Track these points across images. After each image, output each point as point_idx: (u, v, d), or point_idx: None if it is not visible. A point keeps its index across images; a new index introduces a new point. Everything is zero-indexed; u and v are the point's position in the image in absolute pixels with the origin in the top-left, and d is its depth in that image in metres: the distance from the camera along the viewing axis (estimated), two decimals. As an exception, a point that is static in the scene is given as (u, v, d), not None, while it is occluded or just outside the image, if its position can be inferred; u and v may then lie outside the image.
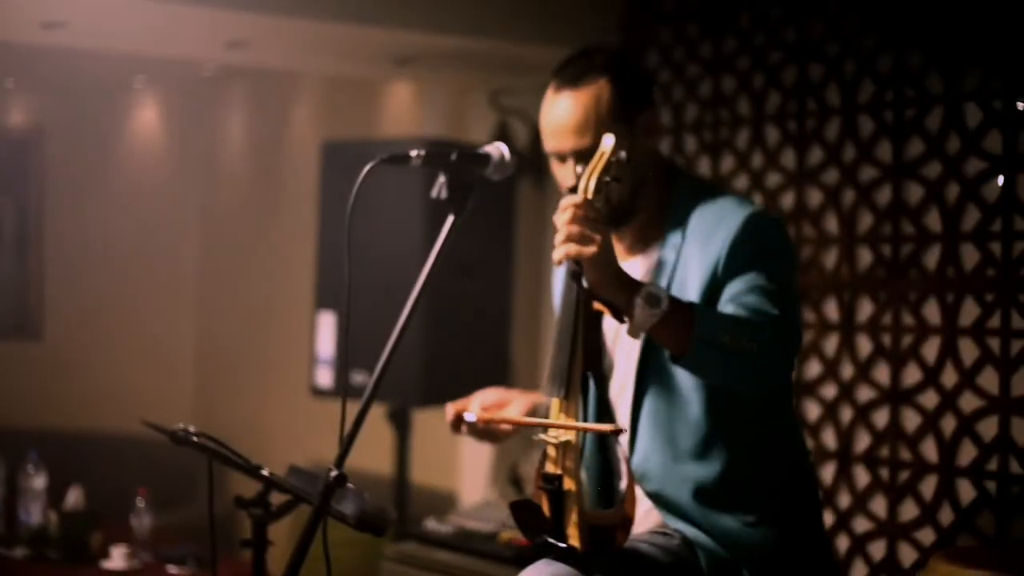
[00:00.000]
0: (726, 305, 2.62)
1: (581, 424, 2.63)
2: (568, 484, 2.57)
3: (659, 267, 2.76)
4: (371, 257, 4.80)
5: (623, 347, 2.79)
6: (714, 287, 2.66)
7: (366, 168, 2.71)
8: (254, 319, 7.34)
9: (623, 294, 2.50)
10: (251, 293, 7.40)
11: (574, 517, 2.57)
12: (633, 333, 2.51)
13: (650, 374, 2.74)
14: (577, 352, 2.61)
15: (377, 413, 5.17)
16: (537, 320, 5.32)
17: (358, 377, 4.82)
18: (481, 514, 4.30)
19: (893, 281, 4.03)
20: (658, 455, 2.74)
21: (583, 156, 2.74)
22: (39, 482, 4.77)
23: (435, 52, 4.95)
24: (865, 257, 4.12)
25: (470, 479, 5.48)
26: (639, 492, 2.71)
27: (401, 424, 5.00)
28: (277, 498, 3.20)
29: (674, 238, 2.75)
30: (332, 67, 5.80)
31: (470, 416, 3.01)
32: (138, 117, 7.74)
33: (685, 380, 2.70)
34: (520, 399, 3.08)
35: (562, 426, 2.61)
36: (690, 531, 2.72)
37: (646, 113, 2.81)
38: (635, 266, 2.78)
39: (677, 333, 2.49)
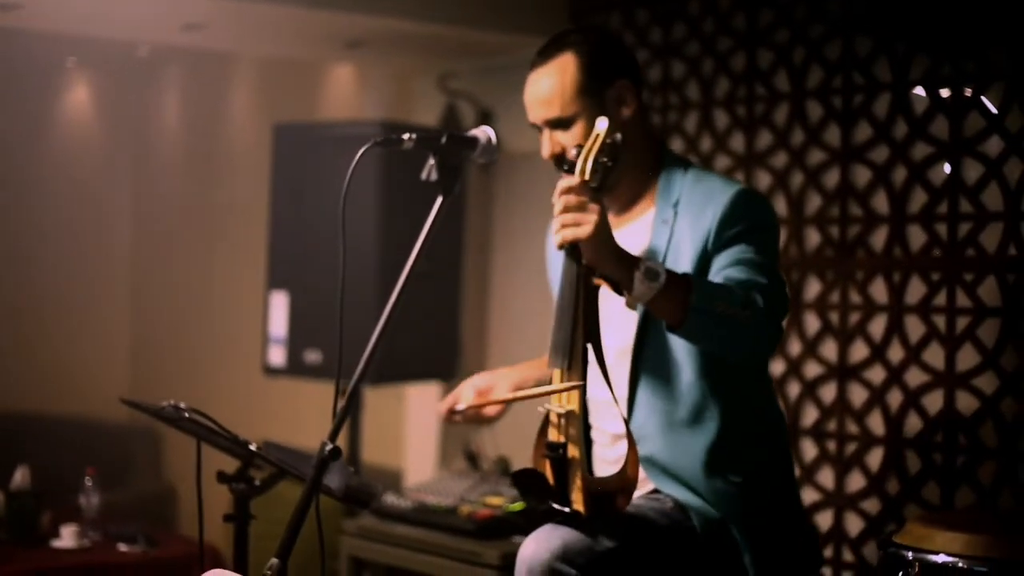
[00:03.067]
0: (717, 276, 2.77)
1: (544, 389, 2.77)
2: (572, 451, 2.69)
3: (653, 242, 2.88)
4: (324, 237, 4.87)
5: (612, 319, 2.91)
6: (705, 260, 2.81)
7: (361, 151, 2.80)
8: (195, 299, 7.33)
9: (621, 269, 2.64)
10: (190, 273, 7.39)
11: (578, 483, 2.68)
12: (631, 305, 2.66)
13: (647, 345, 2.87)
14: (578, 325, 2.72)
15: (328, 391, 5.22)
16: (486, 300, 5.41)
17: (312, 355, 4.88)
18: (439, 488, 4.37)
19: (841, 261, 4.17)
20: (654, 422, 2.88)
21: (555, 125, 2.93)
22: (-18, 463, 4.77)
23: (385, 35, 5.00)
24: (813, 238, 4.25)
25: (415, 457, 5.55)
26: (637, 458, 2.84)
27: (353, 402, 5.06)
28: (257, 473, 3.26)
29: (665, 213, 2.89)
30: (284, 50, 5.82)
31: (460, 406, 3.17)
32: (70, 98, 7.69)
33: (680, 350, 2.84)
34: (505, 378, 3.22)
35: (528, 396, 2.80)
36: (682, 494, 2.85)
37: (616, 85, 2.94)
38: (624, 236, 2.90)
39: (674, 303, 2.62)
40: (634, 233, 2.93)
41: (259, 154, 6.17)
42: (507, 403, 3.13)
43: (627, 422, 2.79)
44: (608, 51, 2.99)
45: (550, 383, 2.78)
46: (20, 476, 4.73)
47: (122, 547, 4.65)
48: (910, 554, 2.71)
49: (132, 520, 4.98)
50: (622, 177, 2.91)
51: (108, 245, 7.80)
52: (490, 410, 3.17)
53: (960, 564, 2.65)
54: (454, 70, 5.39)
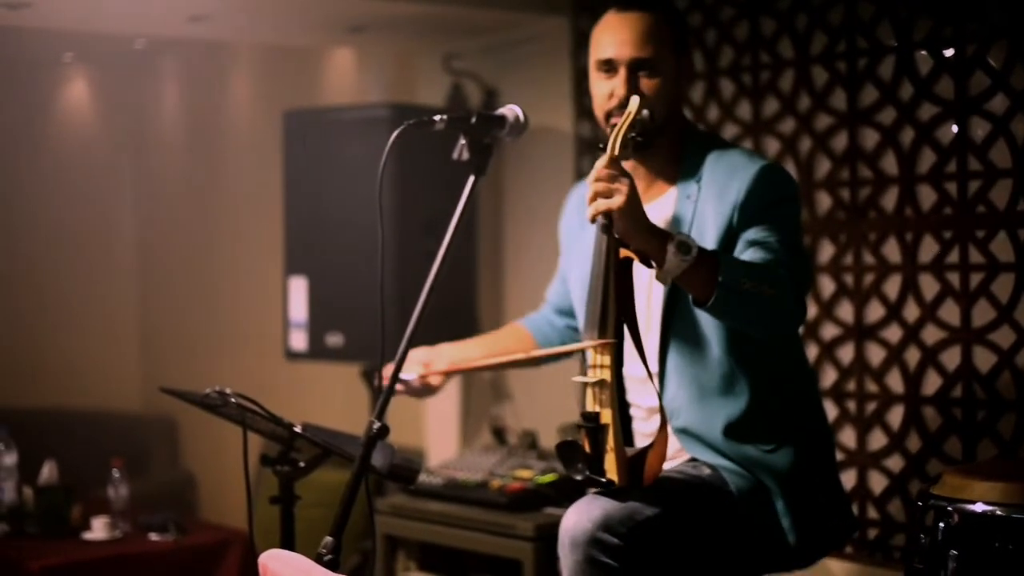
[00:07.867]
0: (742, 253, 2.83)
1: (567, 347, 2.85)
2: (604, 419, 2.75)
3: (677, 217, 2.95)
4: (339, 222, 4.92)
5: (641, 293, 2.97)
6: (730, 236, 2.87)
7: (395, 133, 2.86)
8: (205, 289, 7.36)
9: (653, 242, 2.70)
10: (198, 263, 7.43)
11: (612, 452, 2.74)
12: (663, 279, 2.71)
13: (675, 318, 2.93)
14: (610, 298, 2.79)
15: (351, 372, 5.28)
16: (501, 276, 5.46)
17: (334, 339, 4.94)
18: (467, 464, 4.42)
19: (853, 223, 4.23)
20: (686, 394, 2.94)
21: (638, 67, 2.98)
22: (10, 459, 4.81)
23: (388, 18, 5.04)
24: (824, 201, 4.31)
25: (437, 436, 5.61)
26: (668, 430, 2.91)
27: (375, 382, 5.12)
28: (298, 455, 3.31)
29: (688, 189, 2.95)
30: (287, 38, 5.85)
31: (410, 375, 3.33)
32: (69, 93, 7.71)
33: (707, 323, 2.90)
34: (444, 352, 3.34)
35: (563, 351, 2.84)
36: (717, 461, 2.92)
37: (688, 57, 3.06)
38: (649, 211, 2.96)
39: (703, 279, 2.68)
40: (658, 208, 2.99)
41: (263, 142, 6.22)
42: (504, 366, 3.19)
43: (660, 396, 2.85)
44: (686, 28, 3.13)
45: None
46: (48, 471, 4.78)
47: (153, 536, 4.70)
48: (949, 505, 2.77)
49: (154, 509, 5.04)
50: (654, 148, 2.98)
51: (113, 239, 7.84)
52: (434, 380, 3.32)
53: (998, 512, 2.70)
54: (458, 50, 5.43)
